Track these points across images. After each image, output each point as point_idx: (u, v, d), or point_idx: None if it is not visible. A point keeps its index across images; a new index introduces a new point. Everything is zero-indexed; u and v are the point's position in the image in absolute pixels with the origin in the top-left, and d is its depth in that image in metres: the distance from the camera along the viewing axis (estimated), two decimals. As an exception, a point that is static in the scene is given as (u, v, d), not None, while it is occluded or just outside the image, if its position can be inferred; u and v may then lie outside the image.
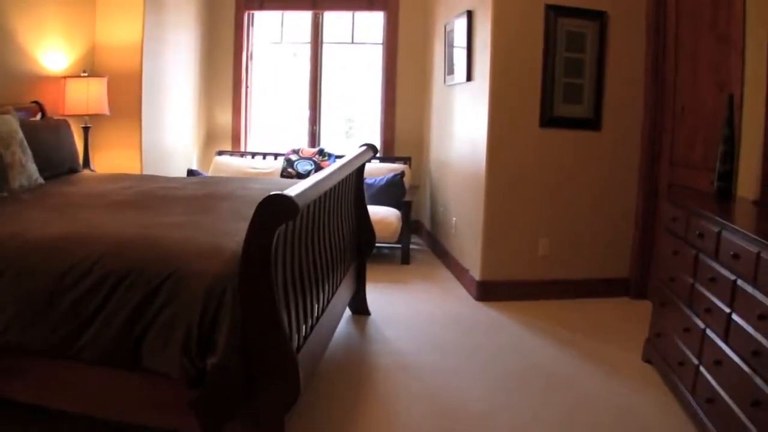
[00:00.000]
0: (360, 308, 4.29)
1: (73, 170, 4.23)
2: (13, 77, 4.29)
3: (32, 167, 3.54)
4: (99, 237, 2.40)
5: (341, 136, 7.34)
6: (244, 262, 2.08)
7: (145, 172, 5.29)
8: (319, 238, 2.96)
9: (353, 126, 7.45)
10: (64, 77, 4.71)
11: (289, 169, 6.37)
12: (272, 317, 2.09)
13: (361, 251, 4.20)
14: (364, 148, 4.05)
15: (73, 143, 4.31)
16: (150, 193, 3.36)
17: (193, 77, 6.46)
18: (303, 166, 6.37)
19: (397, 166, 6.37)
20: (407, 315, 4.32)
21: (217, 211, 2.94)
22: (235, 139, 6.97)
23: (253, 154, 6.76)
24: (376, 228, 5.29)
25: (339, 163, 3.27)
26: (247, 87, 6.96)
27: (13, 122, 3.51)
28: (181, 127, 6.23)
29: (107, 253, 2.29)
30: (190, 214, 2.84)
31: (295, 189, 2.20)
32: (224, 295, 2.14)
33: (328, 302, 3.17)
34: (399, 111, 6.83)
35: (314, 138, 7.01)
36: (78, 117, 4.77)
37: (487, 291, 4.63)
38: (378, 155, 6.69)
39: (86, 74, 4.85)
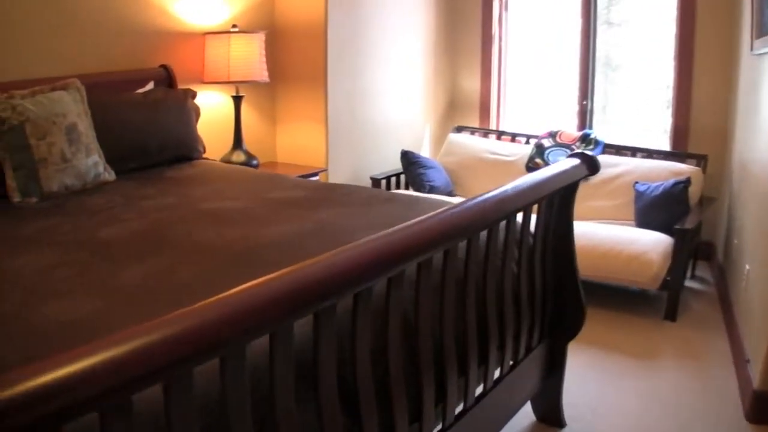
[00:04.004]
0: (549, 415, 2.76)
1: (184, 158, 3.36)
2: (131, 33, 3.50)
3: (86, 161, 2.72)
4: None
5: (658, 108, 5.41)
6: None
7: (332, 153, 4.36)
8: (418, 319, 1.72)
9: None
10: (204, 34, 3.80)
11: (537, 159, 4.93)
12: None
13: (559, 328, 2.62)
14: (575, 163, 2.42)
15: (186, 122, 3.39)
16: (179, 221, 2.33)
17: (422, 31, 5.23)
18: (556, 156, 4.86)
19: (685, 168, 4.41)
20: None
21: (200, 293, 1.68)
22: (484, 112, 5.66)
23: (500, 134, 5.41)
24: (627, 267, 3.73)
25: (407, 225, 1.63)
26: (501, 46, 5.56)
27: (63, 102, 2.70)
28: (399, 95, 5.09)
29: None
30: (143, 292, 1.67)
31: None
32: None
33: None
34: (696, 87, 4.78)
35: (584, 117, 5.33)
36: (229, 84, 3.88)
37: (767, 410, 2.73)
38: (663, 149, 4.83)
39: (236, 29, 3.86)
